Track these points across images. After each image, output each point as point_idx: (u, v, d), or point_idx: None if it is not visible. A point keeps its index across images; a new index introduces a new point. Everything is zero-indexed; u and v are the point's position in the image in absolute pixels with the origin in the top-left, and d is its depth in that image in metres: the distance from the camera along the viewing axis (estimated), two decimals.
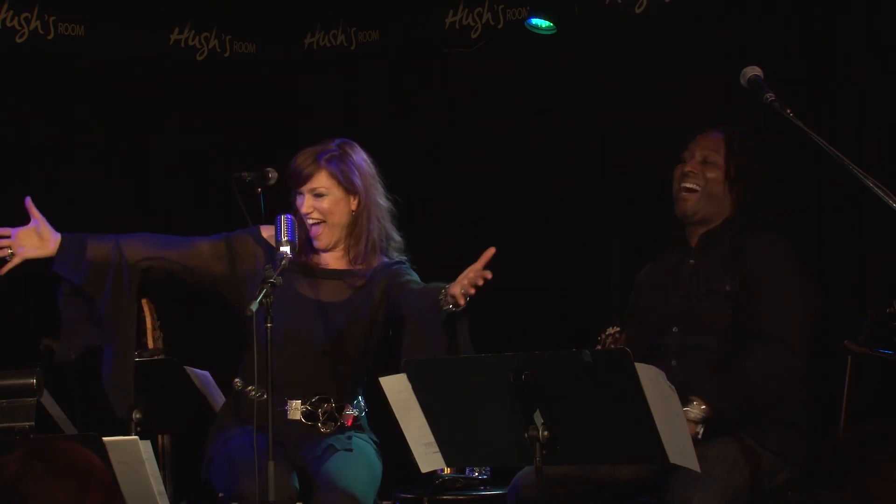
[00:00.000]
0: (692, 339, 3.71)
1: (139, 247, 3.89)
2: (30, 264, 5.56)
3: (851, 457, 2.35)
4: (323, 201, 3.91)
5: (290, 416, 3.85)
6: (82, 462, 2.31)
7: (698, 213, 3.81)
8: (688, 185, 3.81)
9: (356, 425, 3.94)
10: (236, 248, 3.94)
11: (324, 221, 3.92)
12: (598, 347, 3.85)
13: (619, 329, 3.89)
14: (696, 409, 3.52)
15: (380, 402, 3.24)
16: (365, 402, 3.98)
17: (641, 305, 3.89)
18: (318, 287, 3.92)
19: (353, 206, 3.96)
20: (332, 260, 3.97)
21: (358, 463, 3.80)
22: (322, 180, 3.92)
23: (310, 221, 3.91)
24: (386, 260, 3.98)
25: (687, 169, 3.82)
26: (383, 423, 3.57)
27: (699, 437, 3.50)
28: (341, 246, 3.97)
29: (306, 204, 3.91)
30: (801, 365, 3.63)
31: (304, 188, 3.92)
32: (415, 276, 3.94)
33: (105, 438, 2.86)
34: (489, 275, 3.46)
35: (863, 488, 2.29)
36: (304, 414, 3.86)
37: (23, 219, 5.57)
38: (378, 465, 3.89)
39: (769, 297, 3.63)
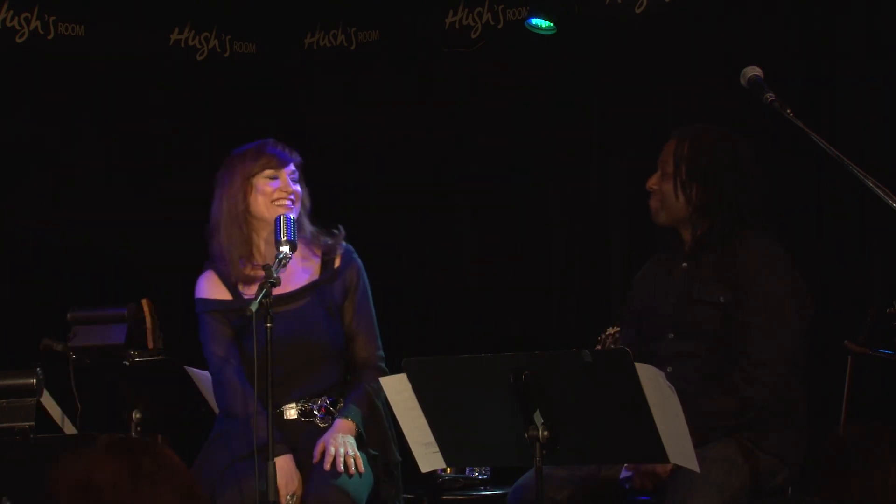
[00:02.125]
0: (687, 347, 3.69)
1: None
2: (27, 265, 5.58)
3: (840, 459, 2.35)
4: (296, 185, 3.96)
5: (287, 417, 3.86)
6: (183, 471, 2.17)
7: (666, 223, 3.80)
8: (650, 202, 3.81)
9: None
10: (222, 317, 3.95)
11: (296, 204, 3.95)
12: (598, 347, 3.84)
13: (618, 329, 3.89)
14: None
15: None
16: None
17: (637, 306, 3.89)
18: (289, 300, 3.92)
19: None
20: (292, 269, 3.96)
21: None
22: (295, 167, 3.98)
23: (287, 202, 3.91)
24: (341, 245, 4.00)
25: (647, 186, 3.82)
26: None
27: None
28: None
29: (286, 184, 3.93)
30: (782, 385, 3.61)
31: (286, 170, 3.94)
32: (359, 302, 3.97)
33: (135, 437, 2.85)
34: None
35: (849, 490, 2.29)
36: (300, 412, 3.87)
37: (22, 219, 5.60)
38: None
39: (754, 316, 3.60)
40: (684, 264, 3.78)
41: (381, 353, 4.00)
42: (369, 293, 4.02)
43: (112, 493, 2.06)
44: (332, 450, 3.68)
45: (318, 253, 3.97)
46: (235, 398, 3.81)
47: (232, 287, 3.93)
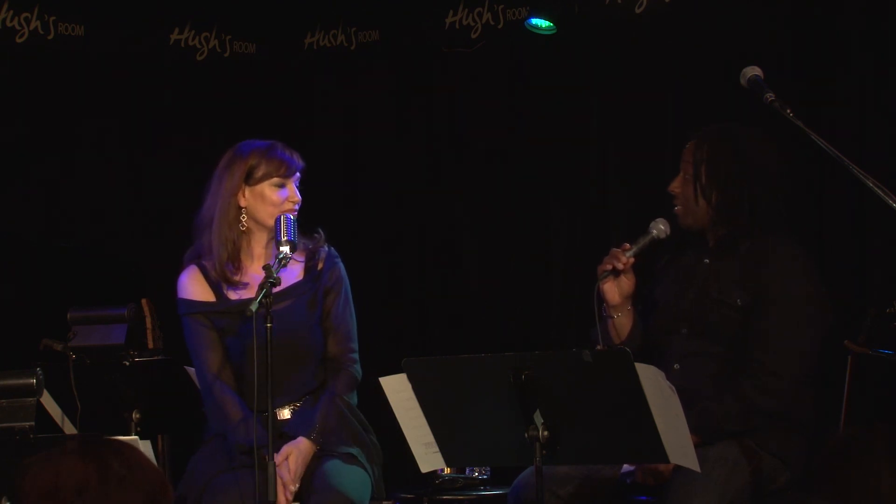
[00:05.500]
0: (698, 345, 3.68)
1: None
2: (27, 265, 5.58)
3: (838, 459, 2.35)
4: (298, 193, 3.94)
5: (280, 417, 3.87)
6: (151, 470, 2.14)
7: (692, 227, 3.79)
8: (674, 206, 3.80)
9: None
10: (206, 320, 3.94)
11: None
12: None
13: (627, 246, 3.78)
14: None
15: (380, 402, 3.24)
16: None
17: (655, 297, 3.88)
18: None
19: None
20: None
21: (352, 462, 3.81)
22: (300, 172, 3.95)
23: (294, 212, 3.89)
24: (324, 248, 3.98)
25: (669, 189, 3.80)
26: (383, 423, 3.58)
27: None
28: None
29: (293, 193, 3.91)
30: (793, 395, 3.60)
31: (294, 178, 3.93)
32: (339, 302, 3.96)
33: (105, 438, 2.85)
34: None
35: (847, 491, 2.29)
36: (292, 411, 3.89)
37: (21, 218, 5.60)
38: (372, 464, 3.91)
39: (772, 323, 3.58)
40: (707, 261, 3.77)
41: (355, 355, 3.95)
42: (350, 296, 3.99)
43: (79, 495, 2.04)
44: (291, 487, 3.69)
45: (302, 256, 3.96)
46: (228, 413, 3.80)
47: (215, 286, 3.92)
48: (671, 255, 3.90)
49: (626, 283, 3.70)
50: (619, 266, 3.66)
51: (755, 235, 3.69)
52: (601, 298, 3.73)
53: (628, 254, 3.68)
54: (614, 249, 3.71)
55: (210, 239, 3.90)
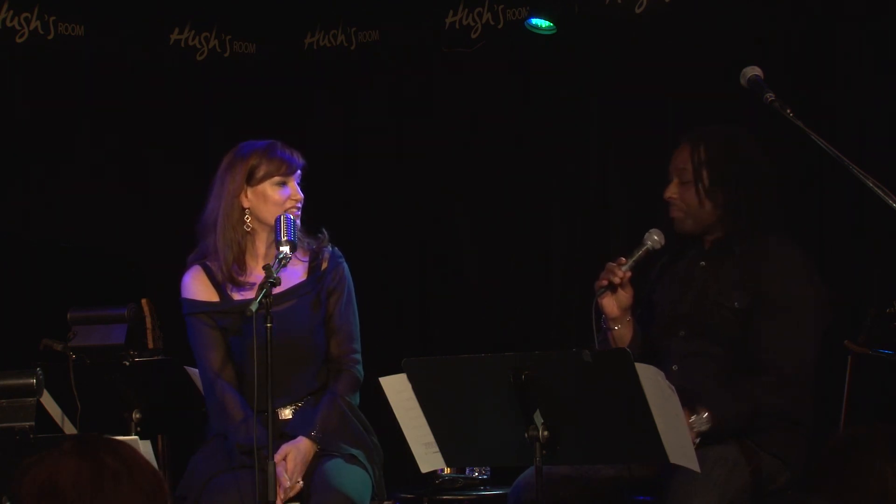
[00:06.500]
0: (697, 346, 3.68)
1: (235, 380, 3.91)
2: (27, 265, 5.58)
3: (838, 459, 2.35)
4: (300, 191, 3.93)
5: (282, 417, 3.87)
6: (149, 470, 2.15)
7: (693, 231, 3.78)
8: (672, 213, 3.78)
9: None
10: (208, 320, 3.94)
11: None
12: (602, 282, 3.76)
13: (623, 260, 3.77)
14: (702, 419, 3.47)
15: (380, 402, 3.25)
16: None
17: (652, 298, 3.88)
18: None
19: None
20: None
21: (353, 463, 3.81)
22: (301, 170, 3.95)
23: (297, 210, 3.89)
24: (327, 249, 3.97)
25: (666, 196, 3.79)
26: (383, 423, 3.59)
27: (695, 444, 3.48)
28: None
29: (295, 191, 3.90)
30: (798, 395, 3.61)
31: (295, 176, 3.92)
32: (342, 302, 3.95)
33: (101, 437, 2.85)
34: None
35: (848, 491, 2.29)
36: (294, 411, 3.89)
37: (21, 218, 5.61)
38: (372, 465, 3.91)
39: (777, 325, 3.57)
40: (702, 263, 3.76)
41: (357, 355, 3.95)
42: (353, 297, 3.99)
43: (76, 493, 2.05)
44: (286, 483, 3.68)
45: (306, 257, 3.95)
46: (229, 413, 3.81)
47: (219, 286, 3.92)
48: (667, 260, 3.90)
49: (624, 296, 3.69)
50: (616, 281, 3.65)
51: (753, 236, 3.68)
52: (599, 312, 3.73)
53: (624, 268, 3.66)
54: (610, 264, 3.69)
55: (215, 241, 3.90)
